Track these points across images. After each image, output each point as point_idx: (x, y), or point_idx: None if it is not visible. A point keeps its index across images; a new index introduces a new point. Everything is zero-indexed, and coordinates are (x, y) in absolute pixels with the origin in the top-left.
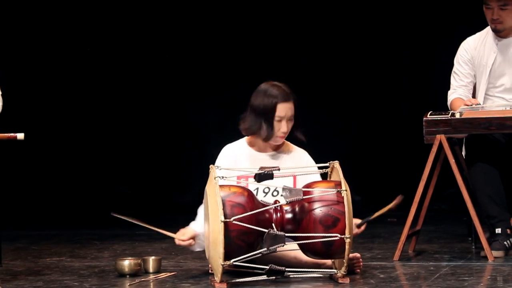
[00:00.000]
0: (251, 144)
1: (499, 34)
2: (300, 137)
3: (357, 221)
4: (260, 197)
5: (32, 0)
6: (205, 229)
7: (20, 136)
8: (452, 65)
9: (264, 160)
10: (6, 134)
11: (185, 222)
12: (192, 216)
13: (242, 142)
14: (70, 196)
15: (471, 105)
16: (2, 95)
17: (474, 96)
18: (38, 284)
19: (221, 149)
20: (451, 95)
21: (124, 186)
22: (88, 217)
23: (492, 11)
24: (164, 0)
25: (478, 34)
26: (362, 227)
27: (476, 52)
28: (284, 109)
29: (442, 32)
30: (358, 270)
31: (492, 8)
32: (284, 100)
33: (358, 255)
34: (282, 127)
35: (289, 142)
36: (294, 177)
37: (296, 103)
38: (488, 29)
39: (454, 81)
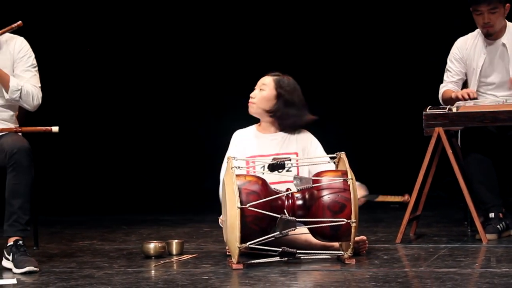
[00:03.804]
0: (259, 128)
1: (490, 37)
2: (311, 118)
3: (362, 193)
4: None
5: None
6: (223, 214)
7: (55, 129)
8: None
9: (270, 140)
10: (42, 127)
11: (206, 207)
12: (213, 203)
13: (251, 127)
14: (100, 185)
15: (463, 98)
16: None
17: None
18: (72, 265)
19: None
20: (442, 88)
21: (149, 175)
22: (117, 204)
23: (483, 16)
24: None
25: (469, 35)
26: (362, 200)
27: (466, 52)
28: None
29: (440, 31)
30: (364, 252)
31: (482, 13)
32: None
33: (364, 237)
34: None
35: None
36: (297, 154)
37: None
38: (478, 32)
39: (446, 76)
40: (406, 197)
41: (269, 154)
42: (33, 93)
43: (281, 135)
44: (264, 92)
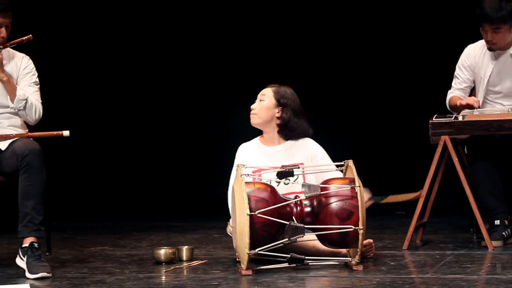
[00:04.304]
0: (262, 140)
1: (496, 50)
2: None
3: (367, 196)
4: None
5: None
6: (232, 221)
7: (66, 133)
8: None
9: (275, 152)
10: (53, 132)
11: (216, 213)
12: (223, 209)
13: (255, 140)
14: (112, 191)
15: (466, 104)
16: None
17: None
18: (84, 271)
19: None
20: (450, 94)
21: (161, 182)
22: (128, 210)
23: (487, 33)
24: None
25: (479, 42)
26: (368, 203)
27: (475, 60)
28: None
29: (449, 39)
30: (371, 255)
31: (486, 30)
32: None
33: (371, 241)
34: None
35: None
36: (302, 164)
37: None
38: None
39: (454, 83)
40: (419, 192)
41: (274, 166)
42: (36, 106)
43: (285, 146)
44: (264, 102)
